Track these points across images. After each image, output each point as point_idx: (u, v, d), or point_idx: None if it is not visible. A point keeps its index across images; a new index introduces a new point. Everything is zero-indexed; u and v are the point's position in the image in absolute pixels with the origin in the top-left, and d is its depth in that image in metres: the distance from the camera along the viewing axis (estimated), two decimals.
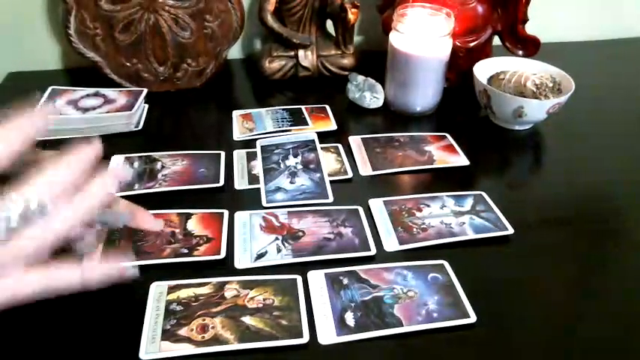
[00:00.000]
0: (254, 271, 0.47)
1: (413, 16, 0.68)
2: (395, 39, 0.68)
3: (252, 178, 0.59)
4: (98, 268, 0.37)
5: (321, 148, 0.62)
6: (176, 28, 0.71)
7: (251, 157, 0.62)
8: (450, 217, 0.54)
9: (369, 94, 0.71)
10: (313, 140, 0.63)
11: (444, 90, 0.72)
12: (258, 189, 0.57)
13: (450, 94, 0.74)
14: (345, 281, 0.46)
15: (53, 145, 0.49)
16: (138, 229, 0.46)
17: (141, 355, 0.39)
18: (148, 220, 0.44)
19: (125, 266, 0.38)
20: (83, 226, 0.39)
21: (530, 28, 0.75)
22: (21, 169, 0.33)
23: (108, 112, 0.65)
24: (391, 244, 0.51)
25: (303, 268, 0.47)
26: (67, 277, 0.35)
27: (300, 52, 0.76)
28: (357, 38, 0.84)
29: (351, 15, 0.72)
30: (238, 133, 0.66)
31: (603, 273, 0.50)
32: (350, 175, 0.60)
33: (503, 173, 0.66)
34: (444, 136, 0.67)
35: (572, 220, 0.56)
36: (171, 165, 0.60)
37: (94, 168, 0.35)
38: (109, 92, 0.69)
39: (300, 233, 0.51)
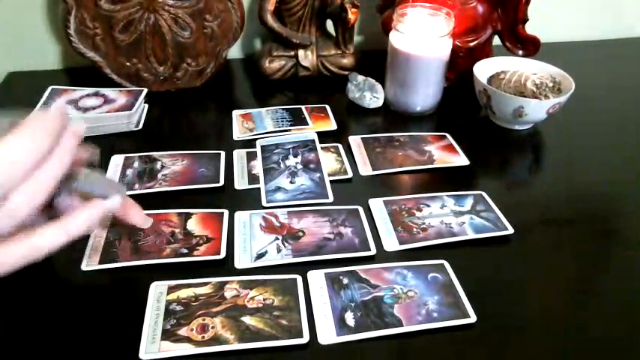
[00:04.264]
0: (254, 271, 0.47)
1: (413, 16, 0.68)
2: (395, 39, 0.68)
3: (252, 178, 0.59)
4: (79, 215, 0.37)
5: (321, 148, 0.62)
6: (176, 28, 0.71)
7: (251, 157, 0.62)
8: (450, 217, 0.54)
9: (369, 94, 0.71)
10: (313, 140, 0.63)
11: (444, 90, 0.72)
12: (258, 189, 0.57)
13: (450, 94, 0.74)
14: (345, 281, 0.46)
15: None
16: (125, 222, 0.44)
17: (141, 355, 0.39)
18: (137, 215, 0.43)
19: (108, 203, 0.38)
20: (65, 196, 0.39)
21: (530, 28, 0.75)
22: None
23: (108, 111, 0.65)
24: (391, 244, 0.51)
25: (303, 268, 0.47)
26: (52, 238, 0.35)
27: (300, 52, 0.76)
28: (357, 38, 0.84)
29: (351, 15, 0.72)
30: (238, 133, 0.66)
31: (603, 273, 0.50)
32: (350, 175, 0.60)
33: (503, 173, 0.66)
34: (444, 136, 0.67)
35: (573, 220, 0.56)
36: (171, 165, 0.60)
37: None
38: (109, 92, 0.69)
39: (300, 233, 0.51)
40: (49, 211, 0.39)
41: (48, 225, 0.36)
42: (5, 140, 0.32)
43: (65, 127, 0.35)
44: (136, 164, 0.60)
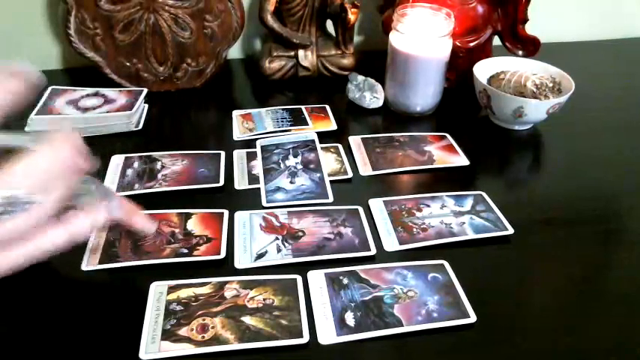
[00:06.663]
0: (254, 271, 0.47)
1: (413, 16, 0.68)
2: (395, 39, 0.68)
3: (252, 178, 0.59)
4: (82, 217, 0.39)
5: (321, 148, 0.62)
6: (176, 28, 0.71)
7: (251, 157, 0.62)
8: (450, 217, 0.54)
9: (369, 94, 0.71)
10: (313, 140, 0.63)
11: (444, 90, 0.72)
12: (258, 189, 0.57)
13: (450, 94, 0.74)
14: (345, 281, 0.46)
15: None
16: (129, 227, 0.44)
17: (141, 355, 0.39)
18: (141, 220, 0.43)
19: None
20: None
21: (530, 28, 0.75)
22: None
23: (108, 111, 0.65)
24: (391, 244, 0.51)
25: (303, 268, 0.47)
26: (54, 238, 0.37)
27: (300, 52, 0.76)
28: (357, 38, 0.83)
29: (351, 15, 0.72)
30: (238, 133, 0.66)
31: (604, 273, 0.50)
32: (350, 175, 0.60)
33: (503, 173, 0.66)
34: (444, 136, 0.67)
35: (573, 220, 0.56)
36: (171, 165, 0.60)
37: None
38: (109, 92, 0.69)
39: (300, 233, 0.51)
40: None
41: (50, 226, 0.37)
42: (40, 152, 0.36)
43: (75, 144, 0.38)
44: (135, 164, 0.60)
